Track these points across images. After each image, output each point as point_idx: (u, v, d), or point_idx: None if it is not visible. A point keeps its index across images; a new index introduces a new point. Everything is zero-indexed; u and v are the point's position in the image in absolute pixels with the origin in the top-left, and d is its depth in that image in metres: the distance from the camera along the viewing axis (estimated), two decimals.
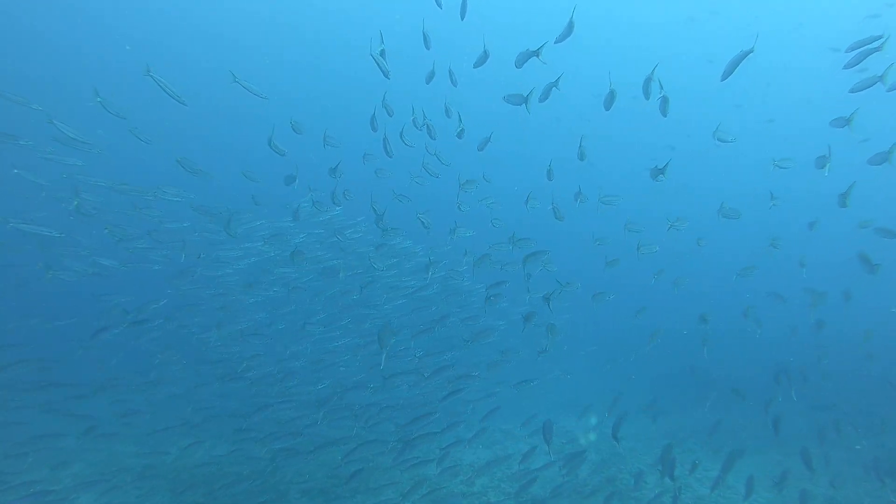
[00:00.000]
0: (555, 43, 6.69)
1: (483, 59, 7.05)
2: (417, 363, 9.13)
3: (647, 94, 6.28)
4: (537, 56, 6.55)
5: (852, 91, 6.25)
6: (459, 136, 7.95)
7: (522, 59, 6.58)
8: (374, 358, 11.08)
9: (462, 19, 7.78)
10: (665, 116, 6.32)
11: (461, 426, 7.90)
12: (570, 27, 6.37)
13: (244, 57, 31.84)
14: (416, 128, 8.23)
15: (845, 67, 6.17)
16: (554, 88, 7.24)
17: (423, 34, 7.17)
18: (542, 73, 7.26)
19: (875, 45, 5.89)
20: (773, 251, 8.38)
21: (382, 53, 6.55)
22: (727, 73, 6.10)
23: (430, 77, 7.70)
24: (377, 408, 8.80)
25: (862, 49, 5.93)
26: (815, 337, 9.47)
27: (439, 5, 7.50)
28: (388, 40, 6.62)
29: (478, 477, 8.42)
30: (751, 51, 5.73)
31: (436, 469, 7.43)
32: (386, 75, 7.06)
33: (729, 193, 30.63)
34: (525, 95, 6.50)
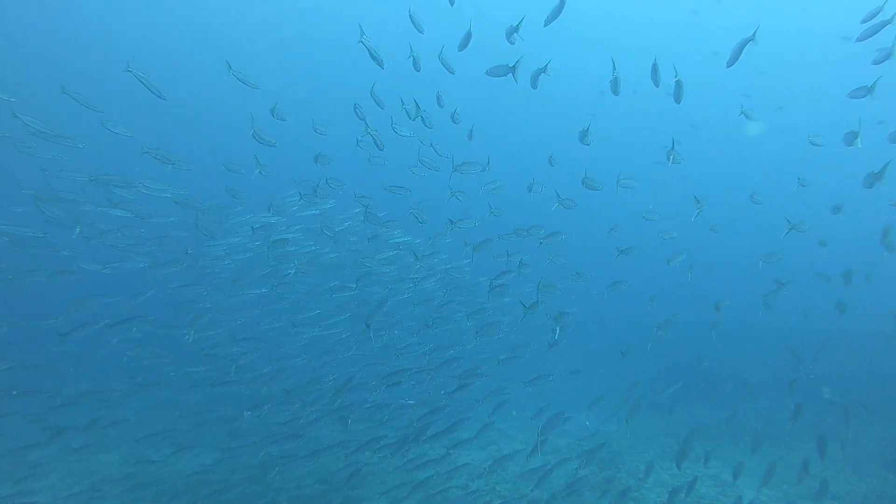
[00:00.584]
0: (544, 25, 6.47)
1: (467, 40, 6.79)
2: (423, 360, 8.90)
3: (656, 82, 6.12)
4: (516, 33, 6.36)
5: (875, 63, 6.06)
6: (455, 120, 7.94)
7: (510, 32, 6.41)
8: (374, 355, 10.89)
9: (451, 5, 7.50)
10: (678, 103, 6.11)
11: (464, 425, 7.65)
12: (559, 6, 6.12)
13: (234, 53, 31.56)
14: (410, 118, 8.00)
15: (858, 40, 5.96)
16: (559, 87, 7.07)
17: (410, 16, 6.87)
18: (543, 75, 7.06)
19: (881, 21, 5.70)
20: (780, 241, 8.19)
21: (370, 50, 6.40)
22: (732, 61, 6.04)
23: (413, 56, 7.39)
24: (374, 407, 8.56)
25: (874, 22, 5.72)
26: (837, 320, 9.26)
27: None
28: (386, 36, 6.44)
29: (473, 481, 8.20)
30: (751, 38, 5.63)
31: (434, 471, 7.22)
32: (380, 65, 6.90)
33: (735, 186, 30.37)
34: (511, 66, 6.24)
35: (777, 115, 31.52)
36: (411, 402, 9.15)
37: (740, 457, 9.34)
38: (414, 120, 7.80)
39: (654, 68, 6.11)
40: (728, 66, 6.16)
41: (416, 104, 7.57)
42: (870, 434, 10.29)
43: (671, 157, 6.69)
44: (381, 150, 7.88)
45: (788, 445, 10.01)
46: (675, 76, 5.98)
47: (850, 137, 6.07)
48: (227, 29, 30.85)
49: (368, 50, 6.56)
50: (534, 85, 7.02)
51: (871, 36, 5.76)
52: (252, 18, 30.52)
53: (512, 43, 6.45)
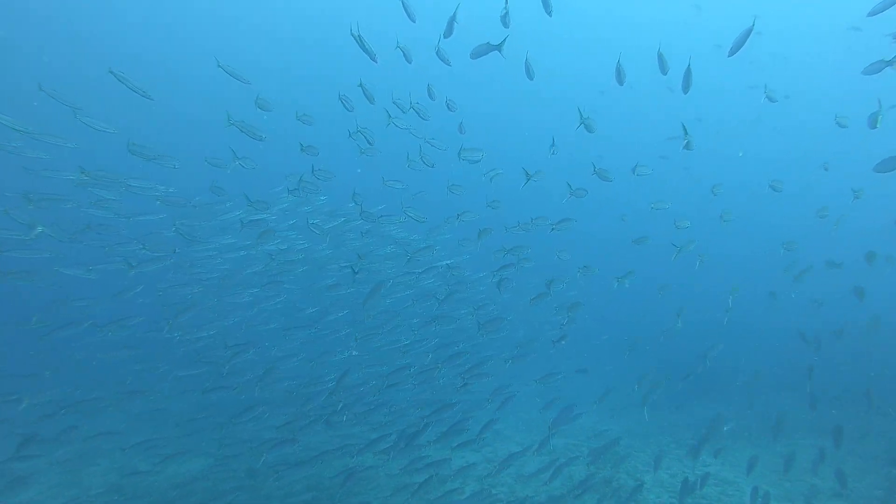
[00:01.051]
0: (545, 11, 6.37)
1: (450, 27, 6.70)
2: (425, 358, 8.74)
3: (663, 70, 6.19)
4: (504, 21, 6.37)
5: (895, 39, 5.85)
6: (450, 108, 8.00)
7: (504, 18, 6.40)
8: (373, 355, 10.71)
9: None
10: (686, 93, 6.02)
11: (464, 426, 7.45)
12: None
13: (224, 51, 31.44)
14: (403, 112, 7.87)
15: (870, 15, 5.74)
16: (559, 87, 7.09)
17: (403, 2, 6.72)
18: (543, 75, 7.02)
19: None
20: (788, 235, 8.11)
21: (360, 39, 6.35)
22: (734, 50, 5.95)
23: (402, 48, 7.27)
24: (373, 408, 8.34)
25: None
26: (848, 311, 9.12)
27: None
28: (379, 33, 6.38)
29: (468, 484, 7.99)
30: (752, 28, 5.59)
31: (430, 475, 7.01)
32: (373, 59, 6.81)
33: (736, 180, 30.16)
34: (494, 44, 6.17)
35: (780, 111, 31.27)
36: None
37: (741, 454, 9.17)
38: (406, 113, 7.68)
39: (661, 57, 6.07)
40: (729, 56, 6.03)
41: (444, 89, 7.60)
42: (875, 428, 10.12)
43: (685, 142, 6.58)
44: (371, 144, 7.72)
45: (786, 443, 9.81)
46: (688, 63, 6.02)
47: (873, 119, 5.86)
48: (217, 27, 30.66)
49: (361, 44, 6.48)
50: (529, 76, 6.98)
51: (883, 10, 5.52)
52: (242, 16, 30.32)
53: (506, 27, 6.35)
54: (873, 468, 8.59)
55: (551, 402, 8.38)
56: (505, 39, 6.25)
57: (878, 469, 8.56)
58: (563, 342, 8.52)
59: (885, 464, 8.74)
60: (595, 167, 7.71)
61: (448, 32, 6.60)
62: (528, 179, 7.74)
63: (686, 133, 6.50)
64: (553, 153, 7.56)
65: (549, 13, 6.83)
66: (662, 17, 30.88)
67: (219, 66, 7.06)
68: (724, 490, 7.94)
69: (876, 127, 5.83)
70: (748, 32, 5.64)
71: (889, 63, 5.46)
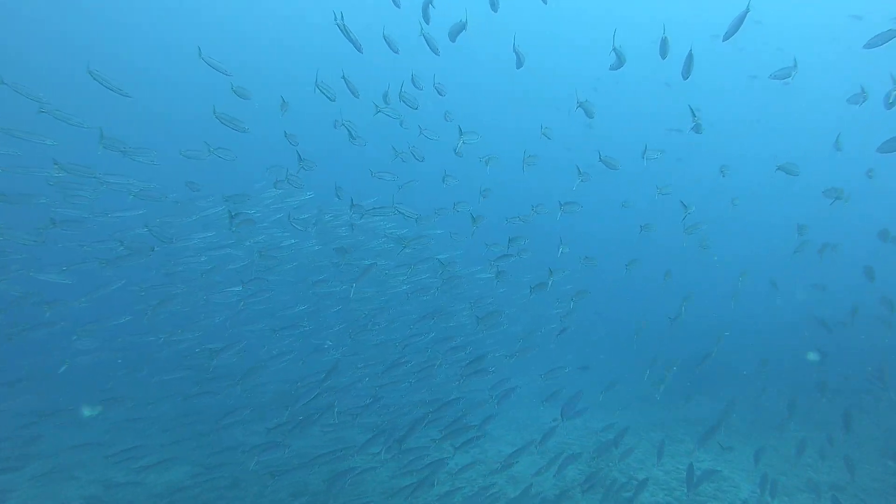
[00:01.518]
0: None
1: (426, 10, 6.58)
2: (424, 355, 8.53)
3: (663, 54, 6.11)
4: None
5: None
6: (440, 92, 8.01)
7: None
8: (368, 352, 10.46)
9: None
10: (686, 78, 5.99)
11: (459, 426, 7.22)
12: None
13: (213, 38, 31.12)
14: (386, 103, 7.68)
15: None
16: (554, 87, 7.04)
17: None
18: (538, 77, 6.87)
19: None
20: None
21: (345, 29, 6.20)
22: (729, 34, 5.86)
23: (388, 39, 7.08)
24: (359, 411, 8.08)
25: None
26: (867, 285, 8.86)
27: None
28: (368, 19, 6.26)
29: (459, 488, 7.72)
30: (747, 11, 5.56)
31: (419, 478, 6.75)
32: (358, 49, 6.71)
33: (738, 178, 29.88)
34: (463, 22, 6.46)
35: (780, 110, 31.03)
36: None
37: (737, 451, 9.03)
38: (390, 104, 7.51)
39: (664, 41, 5.99)
40: (724, 40, 5.87)
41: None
42: (875, 420, 9.97)
43: (694, 124, 6.46)
44: (355, 138, 7.50)
45: (783, 437, 9.62)
46: (689, 50, 5.92)
47: (891, 99, 5.64)
48: (199, 21, 30.41)
49: (346, 34, 6.35)
50: (518, 64, 6.84)
51: None
52: (223, 8, 30.06)
53: (494, 10, 6.23)
54: (871, 461, 8.44)
55: (552, 395, 8.16)
56: (465, 18, 6.25)
57: (877, 461, 8.42)
58: (564, 334, 8.35)
59: (882, 456, 8.61)
60: (601, 155, 7.63)
61: (425, 14, 6.43)
62: (525, 159, 7.61)
63: (695, 116, 6.32)
64: (544, 133, 7.41)
65: (545, 0, 6.71)
66: (655, 12, 30.59)
67: (200, 56, 6.87)
68: (720, 486, 7.73)
69: (893, 107, 5.59)
70: (743, 16, 5.54)
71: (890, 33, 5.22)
